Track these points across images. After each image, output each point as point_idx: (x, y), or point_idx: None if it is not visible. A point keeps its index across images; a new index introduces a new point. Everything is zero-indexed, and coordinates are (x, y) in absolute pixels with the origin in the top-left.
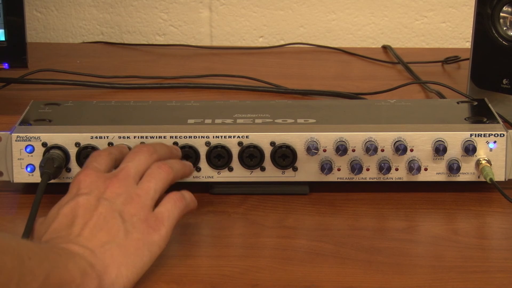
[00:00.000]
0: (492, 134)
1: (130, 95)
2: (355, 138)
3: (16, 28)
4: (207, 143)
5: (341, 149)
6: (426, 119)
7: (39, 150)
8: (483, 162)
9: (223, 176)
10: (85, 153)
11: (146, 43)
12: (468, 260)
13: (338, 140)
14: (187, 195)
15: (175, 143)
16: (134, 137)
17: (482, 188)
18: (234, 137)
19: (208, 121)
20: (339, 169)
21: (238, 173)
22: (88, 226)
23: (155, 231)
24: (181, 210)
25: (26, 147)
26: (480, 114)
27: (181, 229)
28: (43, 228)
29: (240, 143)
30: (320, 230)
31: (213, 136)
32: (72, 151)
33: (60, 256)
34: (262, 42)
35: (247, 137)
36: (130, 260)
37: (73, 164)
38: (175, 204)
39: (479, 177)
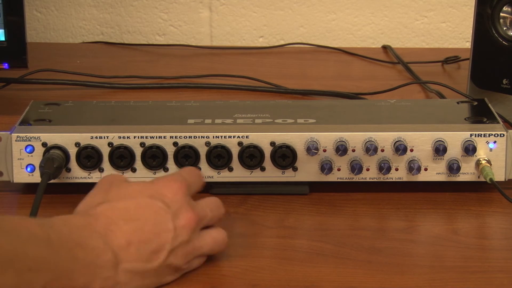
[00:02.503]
0: (492, 134)
1: (130, 95)
2: (355, 138)
3: (16, 28)
4: (207, 143)
5: (341, 149)
6: (426, 119)
7: (39, 150)
8: (483, 162)
9: (223, 176)
10: (85, 153)
11: (146, 43)
12: (468, 260)
13: (338, 140)
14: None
15: (175, 143)
16: (134, 137)
17: (482, 188)
18: (234, 137)
19: (208, 121)
20: (339, 169)
21: (238, 173)
22: (141, 232)
23: (172, 277)
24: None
25: (26, 147)
26: (480, 114)
27: None
28: (109, 192)
29: (240, 143)
30: (320, 230)
31: (213, 136)
32: (72, 151)
33: (75, 261)
34: (262, 42)
35: (247, 137)
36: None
37: (73, 164)
38: (215, 241)
39: (479, 177)
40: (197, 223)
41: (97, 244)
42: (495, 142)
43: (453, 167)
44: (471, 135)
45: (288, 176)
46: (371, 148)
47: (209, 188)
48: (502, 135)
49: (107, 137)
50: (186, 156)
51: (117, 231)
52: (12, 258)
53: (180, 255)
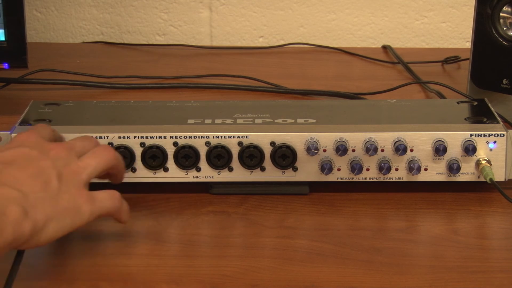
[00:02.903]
0: (492, 134)
1: (130, 95)
2: (355, 138)
3: (16, 28)
4: (207, 143)
5: (341, 149)
6: (426, 119)
7: None
8: (483, 162)
9: (223, 176)
10: None
11: (146, 43)
12: (468, 260)
13: (338, 140)
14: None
15: (175, 143)
16: (134, 137)
17: (482, 188)
18: (234, 137)
19: (208, 121)
20: (339, 169)
21: (238, 173)
22: (25, 171)
23: (84, 203)
24: (113, 206)
25: None
26: (480, 114)
27: (181, 229)
28: None
29: (240, 143)
30: (320, 230)
31: (213, 136)
32: None
33: None
34: (262, 42)
35: (247, 137)
36: (56, 216)
37: None
38: (112, 199)
39: (479, 177)
40: (67, 148)
41: (1, 190)
42: (495, 142)
43: (453, 167)
44: (471, 135)
45: (288, 176)
46: (371, 148)
47: (209, 188)
48: (502, 135)
49: (107, 137)
50: (186, 156)
51: (2, 175)
52: None
53: (70, 173)
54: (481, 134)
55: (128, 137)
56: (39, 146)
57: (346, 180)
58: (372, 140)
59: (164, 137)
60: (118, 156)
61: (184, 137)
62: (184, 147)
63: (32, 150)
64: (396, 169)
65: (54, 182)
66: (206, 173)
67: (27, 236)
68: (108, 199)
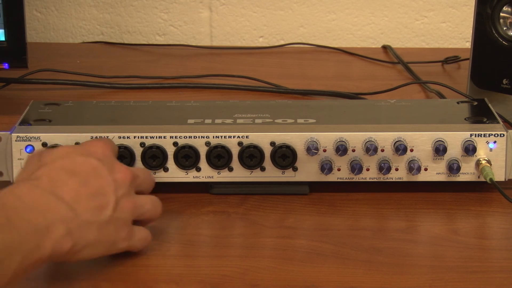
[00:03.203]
0: (492, 134)
1: (130, 95)
2: (355, 138)
3: (16, 28)
4: (207, 143)
5: (341, 149)
6: (426, 119)
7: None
8: (483, 162)
9: (223, 176)
10: None
11: (146, 43)
12: (468, 260)
13: (338, 140)
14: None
15: (175, 143)
16: (134, 137)
17: (482, 188)
18: (234, 137)
19: (208, 121)
20: (339, 169)
21: (238, 173)
22: (86, 188)
23: (124, 239)
24: (147, 243)
25: (26, 147)
26: (480, 114)
27: (181, 229)
28: (46, 155)
29: (240, 143)
30: (320, 230)
31: (213, 136)
32: None
33: (34, 233)
34: (262, 42)
35: (247, 137)
36: (95, 245)
37: None
38: (147, 237)
39: (479, 177)
40: (132, 178)
41: (49, 201)
42: (495, 142)
43: (453, 167)
44: (471, 135)
45: (288, 176)
46: (371, 148)
47: (209, 188)
48: (502, 135)
49: (107, 137)
50: (186, 156)
51: (63, 185)
52: None
53: (125, 207)
54: (481, 134)
55: (128, 137)
56: (109, 163)
57: (346, 180)
58: (372, 140)
59: (164, 137)
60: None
61: (184, 137)
62: (184, 147)
63: (101, 164)
64: (396, 169)
65: (109, 210)
66: (206, 173)
67: (63, 255)
68: (144, 239)
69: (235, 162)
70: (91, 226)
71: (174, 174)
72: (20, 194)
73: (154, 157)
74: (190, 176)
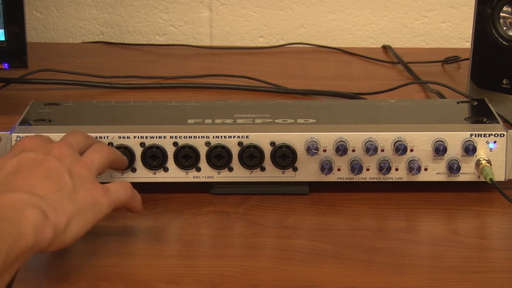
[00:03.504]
0: (492, 134)
1: (130, 95)
2: (355, 138)
3: (16, 28)
4: (207, 143)
5: (341, 149)
6: (426, 119)
7: None
8: (483, 162)
9: (223, 176)
10: None
11: (146, 43)
12: (468, 260)
13: (338, 140)
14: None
15: (175, 143)
16: (134, 137)
17: (482, 188)
18: (234, 137)
19: (208, 121)
20: (339, 169)
21: (238, 173)
22: (35, 175)
23: (100, 194)
24: (126, 195)
25: None
26: (480, 114)
27: (181, 229)
28: None
29: (240, 143)
30: (320, 230)
31: (213, 136)
32: None
33: (10, 221)
34: (262, 42)
35: (247, 137)
36: (77, 212)
37: None
38: (124, 188)
39: (479, 177)
40: (68, 145)
41: (10, 196)
42: (495, 142)
43: (453, 167)
44: (471, 135)
45: (288, 176)
46: (371, 148)
47: (209, 188)
48: (502, 135)
49: (107, 137)
50: (186, 156)
51: (14, 182)
52: None
53: (79, 169)
54: (481, 134)
55: (128, 137)
56: (41, 148)
57: (346, 180)
58: (372, 140)
59: (164, 137)
60: (115, 150)
61: (184, 137)
62: (184, 147)
63: (36, 153)
64: (396, 169)
65: (67, 180)
66: (206, 173)
67: (50, 239)
68: (120, 188)
69: (235, 162)
70: (62, 200)
71: (174, 174)
72: None
73: (154, 157)
74: (190, 176)
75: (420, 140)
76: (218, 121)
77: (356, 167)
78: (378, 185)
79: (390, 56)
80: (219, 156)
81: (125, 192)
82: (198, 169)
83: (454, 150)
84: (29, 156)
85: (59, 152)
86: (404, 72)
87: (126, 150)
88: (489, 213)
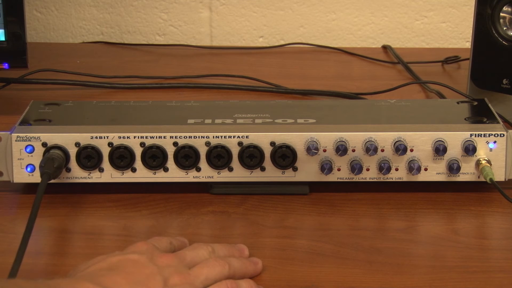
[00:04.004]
0: (492, 134)
1: (130, 95)
2: (355, 138)
3: (16, 28)
4: (207, 143)
5: (341, 149)
6: (426, 119)
7: (39, 150)
8: (483, 162)
9: (223, 176)
10: (85, 153)
11: (146, 43)
12: (468, 260)
13: (338, 140)
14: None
15: (175, 143)
16: (134, 137)
17: (482, 188)
18: (234, 137)
19: (208, 121)
20: (339, 169)
21: (238, 173)
22: (128, 278)
23: None
24: None
25: (26, 147)
26: (480, 114)
27: (181, 229)
28: (82, 266)
29: (240, 143)
30: (320, 230)
31: (213, 136)
32: (72, 151)
33: None
34: (262, 42)
35: (247, 137)
36: None
37: (73, 164)
38: None
39: (479, 177)
40: (178, 258)
41: (82, 284)
42: (495, 142)
43: (453, 167)
44: (471, 135)
45: (288, 176)
46: (371, 148)
47: (209, 188)
48: (502, 135)
49: (107, 137)
50: (186, 156)
51: (105, 275)
52: None
53: (176, 280)
54: (481, 134)
55: (128, 137)
56: (149, 253)
57: (346, 180)
58: (372, 140)
59: (164, 137)
60: (235, 263)
61: (184, 137)
62: (184, 147)
63: (141, 256)
64: (396, 169)
65: (156, 284)
66: (206, 173)
67: None
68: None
69: (235, 162)
70: None
71: (174, 174)
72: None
73: (154, 157)
74: (190, 176)
75: (420, 140)
76: (218, 121)
77: (356, 167)
78: (378, 185)
79: (390, 56)
80: (219, 156)
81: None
82: (198, 169)
83: (454, 150)
84: (132, 258)
85: (163, 261)
86: (404, 72)
87: (126, 150)
88: (489, 213)
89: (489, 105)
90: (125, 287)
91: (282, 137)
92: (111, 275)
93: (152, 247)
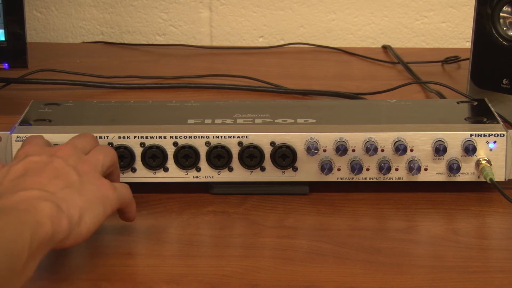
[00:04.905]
0: (492, 134)
1: (130, 95)
2: (355, 138)
3: (16, 28)
4: (207, 143)
5: (341, 149)
6: (426, 119)
7: None
8: (483, 162)
9: (223, 176)
10: None
11: (146, 43)
12: (468, 260)
13: (338, 140)
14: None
15: (175, 143)
16: (134, 137)
17: (482, 188)
18: (234, 137)
19: (208, 121)
20: (339, 169)
21: (238, 173)
22: (43, 175)
23: (108, 189)
24: (130, 195)
25: None
26: (480, 114)
27: (181, 229)
28: None
29: (240, 143)
30: (320, 230)
31: (213, 136)
32: None
33: (28, 212)
34: (262, 42)
35: (247, 137)
36: (88, 206)
37: None
38: (127, 187)
39: (479, 177)
40: (72, 147)
41: (21, 194)
42: (495, 142)
43: (453, 167)
44: (471, 135)
45: (288, 176)
46: (371, 148)
47: (209, 188)
48: (502, 135)
49: (107, 137)
50: (186, 156)
51: (23, 182)
52: None
53: (85, 167)
54: (481, 134)
55: (128, 137)
56: (45, 151)
57: (346, 180)
58: (372, 140)
59: (164, 137)
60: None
61: (184, 137)
62: (184, 147)
63: (40, 156)
64: (396, 169)
65: (74, 176)
66: (206, 173)
67: (66, 230)
68: (125, 188)
69: (235, 162)
70: (72, 194)
71: (174, 174)
72: None
73: (154, 157)
74: (190, 176)
75: (420, 140)
76: (218, 121)
77: (356, 167)
78: (378, 185)
79: (390, 56)
80: (219, 156)
81: (128, 192)
82: (198, 169)
83: (454, 150)
84: (34, 159)
85: (63, 153)
86: (404, 72)
87: (126, 150)
88: (489, 213)
89: (489, 105)
90: (46, 183)
91: (282, 137)
92: (29, 179)
93: (37, 145)
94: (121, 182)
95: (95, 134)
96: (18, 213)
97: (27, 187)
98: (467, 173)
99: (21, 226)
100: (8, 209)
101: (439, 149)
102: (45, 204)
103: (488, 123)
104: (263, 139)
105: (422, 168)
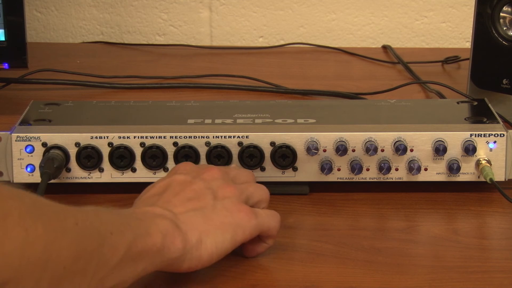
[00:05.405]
0: (492, 134)
1: (130, 95)
2: (355, 138)
3: (16, 28)
4: (207, 143)
5: (341, 149)
6: (426, 119)
7: (39, 150)
8: (483, 162)
9: None
10: (85, 153)
11: (146, 43)
12: (468, 260)
13: (338, 140)
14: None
15: (175, 143)
16: (134, 137)
17: (482, 188)
18: (234, 137)
19: (208, 121)
20: (339, 169)
21: None
22: (178, 196)
23: (245, 216)
24: (276, 224)
25: (26, 147)
26: (480, 114)
27: None
28: (137, 201)
29: (240, 143)
30: (320, 230)
31: (213, 136)
32: (72, 151)
33: (141, 221)
34: (262, 42)
35: (247, 137)
36: (212, 231)
37: (73, 164)
38: (274, 217)
39: (479, 177)
40: (222, 172)
41: (144, 209)
42: (495, 142)
43: (453, 167)
44: (471, 135)
45: (288, 176)
46: (371, 148)
47: None
48: (502, 135)
49: (107, 137)
50: (186, 156)
51: (157, 199)
52: (93, 222)
53: (226, 192)
54: (481, 134)
55: (128, 137)
56: (193, 171)
57: (346, 180)
58: (372, 140)
59: (164, 137)
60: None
61: (184, 137)
62: (184, 147)
63: (185, 175)
64: (396, 169)
65: (208, 200)
66: None
67: (180, 250)
68: (271, 216)
69: (235, 162)
70: (196, 218)
71: None
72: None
73: (154, 157)
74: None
75: (420, 140)
76: (218, 121)
77: (356, 167)
78: (378, 185)
79: (390, 56)
80: (219, 156)
81: (274, 220)
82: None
83: (454, 150)
84: (178, 178)
85: (208, 175)
86: (404, 72)
87: (126, 150)
88: (489, 213)
89: (489, 105)
90: (177, 204)
91: (282, 137)
92: (164, 197)
93: (189, 164)
94: (272, 210)
95: (95, 134)
96: (129, 218)
97: (155, 204)
98: (467, 173)
99: (126, 226)
100: (124, 213)
101: (439, 149)
102: (162, 220)
103: (488, 123)
104: (263, 139)
105: (422, 168)
